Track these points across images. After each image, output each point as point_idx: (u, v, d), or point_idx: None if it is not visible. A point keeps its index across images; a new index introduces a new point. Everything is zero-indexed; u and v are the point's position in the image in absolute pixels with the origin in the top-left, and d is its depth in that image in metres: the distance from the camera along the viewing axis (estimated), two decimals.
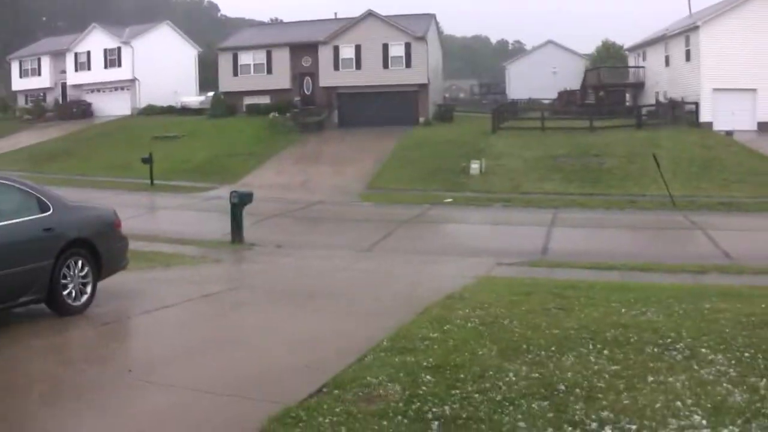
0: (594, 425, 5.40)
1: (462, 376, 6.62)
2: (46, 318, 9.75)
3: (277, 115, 52.20)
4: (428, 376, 6.59)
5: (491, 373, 6.70)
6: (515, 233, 23.87)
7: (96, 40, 68.36)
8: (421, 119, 52.38)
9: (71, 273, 9.90)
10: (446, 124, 52.17)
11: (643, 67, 58.23)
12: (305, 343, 8.42)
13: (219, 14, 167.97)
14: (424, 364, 7.01)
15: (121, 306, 10.78)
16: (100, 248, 10.43)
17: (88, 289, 10.18)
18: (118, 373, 7.40)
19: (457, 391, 6.18)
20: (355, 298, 11.95)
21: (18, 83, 75.31)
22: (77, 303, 9.97)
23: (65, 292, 9.79)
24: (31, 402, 6.44)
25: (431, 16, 58.89)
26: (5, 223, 9.20)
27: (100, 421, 5.99)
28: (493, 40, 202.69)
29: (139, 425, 5.83)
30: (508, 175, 35.50)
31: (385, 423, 5.48)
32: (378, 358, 7.34)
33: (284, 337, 8.91)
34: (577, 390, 6.19)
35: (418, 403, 5.88)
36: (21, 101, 74.56)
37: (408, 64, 53.25)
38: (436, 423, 5.50)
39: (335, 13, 63.79)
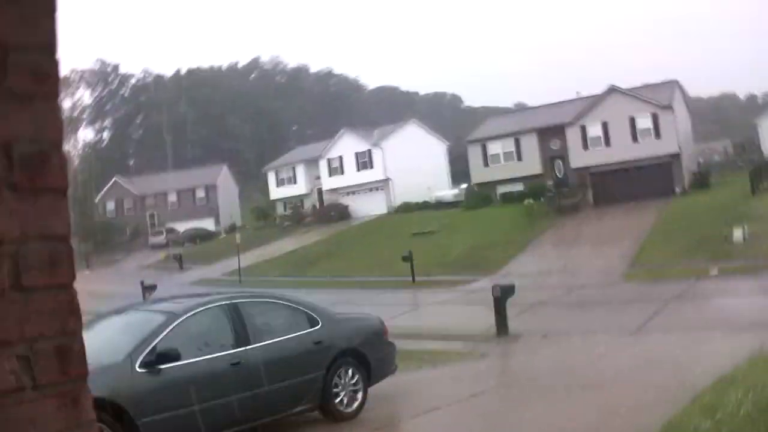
0: None
1: None
2: (323, 424, 10.18)
3: (531, 201, 52.15)
4: None
5: None
6: None
7: (347, 145, 71.87)
8: (677, 189, 50.45)
9: (342, 382, 10.35)
10: (703, 190, 49.85)
11: None
12: None
13: (462, 106, 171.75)
14: None
15: (392, 409, 11.05)
16: (369, 356, 10.85)
17: (359, 395, 10.56)
18: None
19: None
20: (622, 387, 11.54)
21: (276, 192, 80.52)
22: (349, 410, 10.37)
23: (337, 400, 10.25)
24: None
25: (674, 83, 57.04)
26: (280, 339, 9.86)
27: None
28: (741, 95, 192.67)
29: None
30: None
31: None
32: None
33: None
34: None
35: None
36: (280, 209, 79.54)
37: (657, 135, 51.64)
38: None
39: (577, 92, 63.40)
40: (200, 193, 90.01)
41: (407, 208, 64.11)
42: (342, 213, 69.69)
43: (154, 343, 8.63)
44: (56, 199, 1.40)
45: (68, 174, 1.44)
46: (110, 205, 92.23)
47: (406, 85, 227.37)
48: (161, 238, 79.23)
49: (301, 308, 10.60)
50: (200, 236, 78.65)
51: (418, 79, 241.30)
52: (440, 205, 62.97)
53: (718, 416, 8.13)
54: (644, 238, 38.58)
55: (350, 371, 10.50)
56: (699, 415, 8.27)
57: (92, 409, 1.46)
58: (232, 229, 79.54)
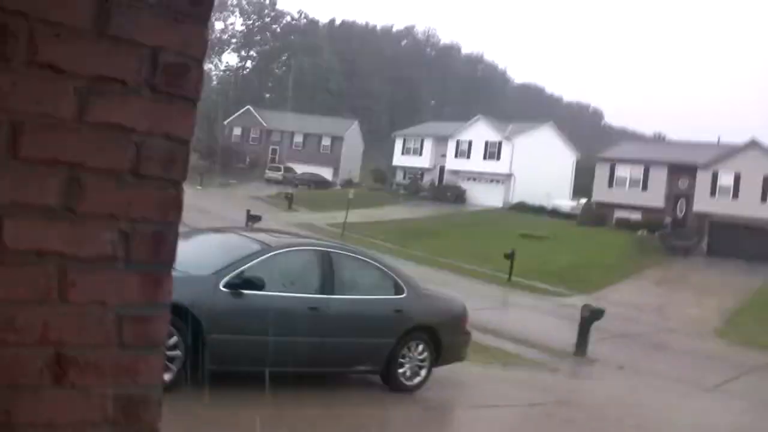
0: None
1: None
2: (378, 390, 10.40)
3: (645, 233, 51.14)
4: None
5: None
6: None
7: (479, 131, 71.76)
8: None
9: (410, 354, 10.53)
10: None
11: None
12: None
13: (602, 122, 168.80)
14: None
15: (450, 395, 11.19)
16: (443, 338, 10.94)
17: (423, 372, 10.72)
18: None
19: None
20: None
21: (399, 159, 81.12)
22: (410, 383, 10.55)
23: (401, 370, 10.44)
24: None
25: None
26: (362, 297, 10.12)
27: None
28: None
29: None
30: None
31: None
32: None
33: None
34: None
35: None
36: (399, 176, 79.96)
37: None
38: None
39: (718, 137, 61.60)
40: (326, 141, 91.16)
41: (522, 207, 63.70)
42: (458, 196, 69.71)
43: (242, 268, 8.97)
44: (186, 107, 1.60)
45: (202, 90, 1.65)
46: (237, 131, 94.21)
47: (551, 87, 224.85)
48: (278, 174, 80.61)
49: (390, 273, 10.80)
50: (316, 182, 79.67)
51: (566, 84, 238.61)
52: (555, 213, 62.34)
53: None
54: (747, 301, 37.41)
55: (421, 347, 10.65)
56: None
57: (170, 295, 1.67)
58: (348, 183, 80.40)
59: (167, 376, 7.93)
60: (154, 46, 1.53)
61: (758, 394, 19.14)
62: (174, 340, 8.04)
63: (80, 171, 1.47)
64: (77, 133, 1.46)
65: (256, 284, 8.86)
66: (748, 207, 50.24)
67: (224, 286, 8.74)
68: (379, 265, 10.94)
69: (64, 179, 1.45)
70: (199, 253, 9.42)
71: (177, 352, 8.08)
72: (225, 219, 26.42)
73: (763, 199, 50.54)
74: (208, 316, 8.38)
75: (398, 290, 10.62)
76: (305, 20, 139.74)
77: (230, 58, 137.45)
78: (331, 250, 10.31)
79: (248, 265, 9.07)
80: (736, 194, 51.66)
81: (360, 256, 11.20)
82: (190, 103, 1.61)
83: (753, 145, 52.03)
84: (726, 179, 52.19)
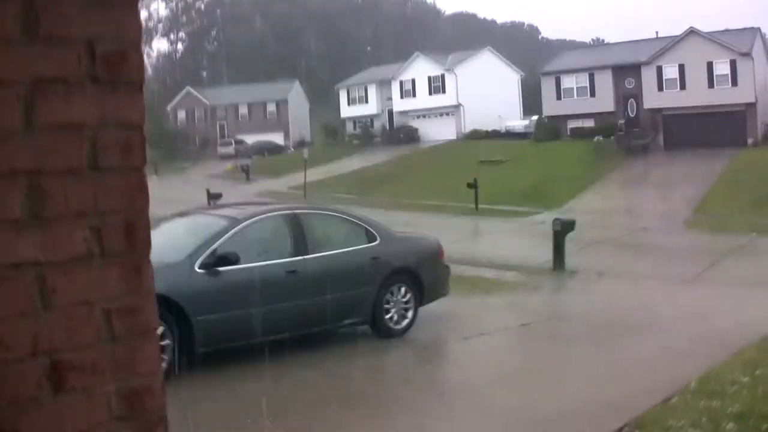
0: None
1: (766, 426, 6.32)
2: (369, 340, 10.49)
3: (601, 138, 51.54)
4: (731, 424, 6.37)
5: None
6: None
7: (420, 68, 71.45)
8: (750, 140, 49.16)
9: (394, 299, 10.61)
10: None
11: None
12: (613, 380, 8.41)
13: (540, 37, 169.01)
14: (729, 410, 6.76)
15: (440, 331, 11.31)
16: (423, 277, 11.03)
17: (410, 314, 10.81)
18: (433, 395, 7.82)
19: None
20: (669, 334, 11.59)
21: (346, 110, 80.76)
22: (398, 327, 10.64)
23: (387, 316, 10.52)
24: (349, 417, 7.02)
25: (756, 30, 54.87)
26: (337, 251, 10.15)
27: None
28: None
29: None
30: None
31: None
32: (683, 401, 7.18)
33: (594, 371, 8.95)
34: None
35: None
36: (349, 127, 79.82)
37: (734, 82, 50.14)
38: None
39: (656, 32, 61.72)
40: (271, 107, 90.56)
41: (476, 135, 63.81)
42: (411, 136, 69.75)
43: (214, 246, 8.96)
44: (132, 92, 1.59)
45: (144, 72, 1.64)
46: (181, 115, 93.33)
47: (483, 12, 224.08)
48: (230, 149, 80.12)
49: (360, 223, 10.84)
50: (269, 149, 79.29)
51: (497, 7, 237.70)
52: (510, 135, 62.56)
53: (758, 372, 8.20)
54: (710, 188, 37.98)
55: (403, 289, 10.73)
56: (739, 370, 8.35)
57: (152, 280, 1.67)
58: (300, 144, 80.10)
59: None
60: (88, 38, 1.51)
61: (735, 277, 19.51)
62: (161, 330, 8.03)
63: (39, 177, 1.46)
64: (29, 140, 1.45)
65: (231, 259, 8.86)
66: (697, 95, 50.71)
67: (200, 268, 8.74)
68: (347, 217, 10.97)
69: (25, 188, 1.44)
70: (169, 239, 9.41)
71: (166, 341, 8.09)
72: (187, 203, 26.13)
73: (710, 84, 50.99)
74: (190, 300, 8.40)
75: (371, 238, 10.66)
76: None
77: (161, 44, 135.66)
78: (298, 211, 10.30)
79: (219, 242, 9.06)
80: (683, 85, 52.04)
81: (327, 212, 11.24)
82: (135, 87, 1.60)
83: (692, 34, 52.24)
84: (671, 72, 52.48)
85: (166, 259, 8.46)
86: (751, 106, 50.03)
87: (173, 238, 9.53)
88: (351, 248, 10.40)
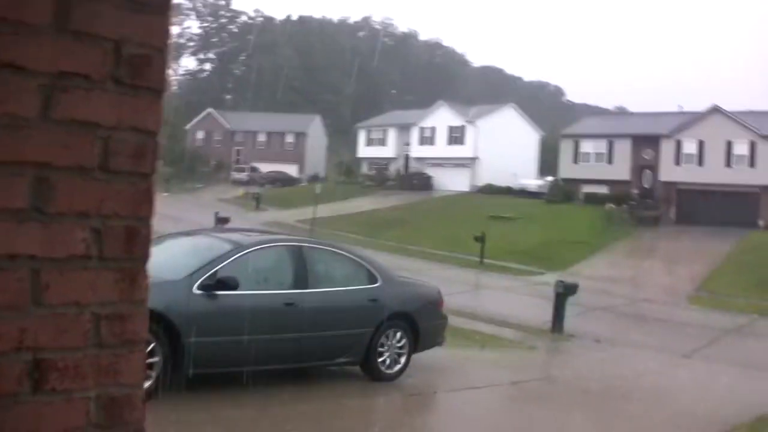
0: None
1: None
2: (359, 380, 10.42)
3: (613, 206, 51.53)
4: None
5: None
6: None
7: (441, 117, 71.67)
8: (761, 222, 49.15)
9: (389, 342, 10.55)
10: None
11: None
12: None
13: (564, 99, 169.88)
14: None
15: (430, 380, 11.22)
16: (420, 323, 10.99)
17: (402, 359, 10.75)
18: None
19: None
20: (659, 406, 11.48)
21: (363, 150, 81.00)
22: (390, 371, 10.58)
23: (380, 359, 10.46)
24: None
25: None
26: (337, 289, 10.12)
27: None
28: None
29: None
30: None
31: None
32: None
33: None
34: None
35: None
36: (364, 168, 79.95)
37: (752, 163, 50.25)
38: None
39: (679, 106, 62.09)
40: (289, 139, 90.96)
41: (490, 189, 63.86)
42: (425, 183, 69.75)
43: (215, 269, 8.92)
44: (152, 98, 1.58)
45: (168, 79, 1.63)
46: (200, 135, 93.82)
47: (511, 68, 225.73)
48: (243, 175, 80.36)
49: (363, 263, 10.81)
50: (282, 180, 79.55)
51: (525, 64, 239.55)
52: (523, 193, 62.60)
53: None
54: (717, 265, 37.87)
55: (398, 334, 10.68)
56: None
57: (146, 290, 1.64)
58: (314, 179, 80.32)
59: (146, 384, 7.89)
60: (116, 38, 1.51)
61: (733, 356, 19.41)
62: (151, 346, 7.98)
63: (48, 170, 1.44)
64: (43, 132, 1.44)
65: (230, 284, 8.82)
66: (713, 173, 50.82)
67: (198, 289, 8.69)
68: (351, 255, 10.95)
69: (33, 180, 1.43)
70: (171, 257, 9.44)
71: (156, 358, 8.02)
72: (194, 223, 26.31)
73: (727, 163, 51.07)
74: (185, 320, 8.34)
75: (372, 279, 10.63)
76: (261, 18, 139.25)
77: (189, 62, 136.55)
78: (302, 244, 10.29)
79: (221, 265, 9.02)
80: (700, 161, 52.13)
81: (331, 248, 11.20)
82: (156, 95, 1.59)
83: (714, 111, 52.47)
84: (690, 147, 52.60)
85: (166, 276, 8.48)
86: (766, 188, 50.02)
87: (176, 256, 9.52)
88: (351, 287, 10.38)
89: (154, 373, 7.99)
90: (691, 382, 14.84)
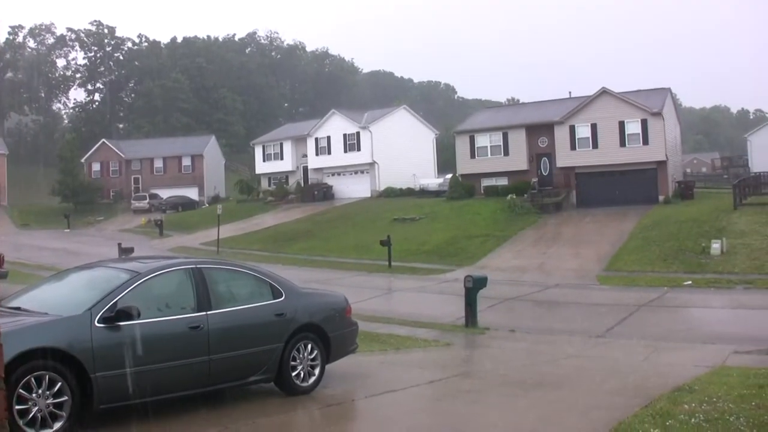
0: None
1: None
2: (275, 397, 10.30)
3: (515, 197, 52.32)
4: None
5: None
6: (757, 318, 22.31)
7: (335, 125, 71.82)
8: (661, 197, 50.74)
9: (300, 356, 10.45)
10: (686, 201, 50.13)
11: None
12: None
13: (456, 96, 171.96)
14: None
15: (348, 388, 11.15)
16: (330, 333, 10.93)
17: (317, 371, 10.67)
18: None
19: None
20: (580, 388, 11.67)
21: (261, 166, 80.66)
22: (305, 384, 10.47)
23: (294, 374, 10.35)
24: None
25: (666, 90, 57.04)
26: (241, 307, 9.97)
27: None
28: (734, 109, 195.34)
29: None
30: (751, 255, 33.12)
31: None
32: None
33: (501, 429, 8.92)
34: None
35: None
36: (264, 184, 79.72)
37: (645, 141, 51.71)
38: None
39: (569, 92, 63.64)
40: (186, 162, 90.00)
41: (391, 193, 64.34)
42: (326, 193, 69.96)
43: (114, 300, 8.68)
44: None
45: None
46: (96, 167, 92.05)
47: (401, 71, 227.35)
48: (144, 203, 79.20)
49: (265, 279, 10.67)
50: (183, 204, 78.68)
51: (414, 66, 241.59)
52: (424, 193, 63.20)
53: (668, 423, 8.28)
54: (622, 243, 38.78)
55: (309, 346, 10.59)
56: (650, 420, 8.42)
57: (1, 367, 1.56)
58: (215, 199, 79.73)
59: (58, 424, 7.70)
60: None
61: (647, 331, 19.88)
62: (58, 385, 7.77)
63: None
64: None
65: (131, 314, 8.59)
66: (609, 154, 52.21)
67: (99, 322, 8.44)
68: (252, 272, 10.80)
69: None
70: (70, 292, 9.29)
71: (64, 398, 7.81)
72: (98, 256, 25.59)
73: (622, 143, 52.39)
74: (89, 355, 8.11)
75: (276, 294, 10.51)
76: (146, 43, 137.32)
77: (78, 94, 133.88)
78: (201, 265, 10.09)
79: (120, 296, 8.79)
80: (595, 143, 53.34)
81: (231, 267, 11.03)
82: None
83: (603, 93, 53.73)
84: (583, 131, 53.78)
85: (66, 312, 8.38)
86: (662, 164, 51.64)
87: (75, 290, 9.35)
88: (256, 304, 10.22)
89: (65, 413, 7.78)
90: (606, 361, 15.12)
